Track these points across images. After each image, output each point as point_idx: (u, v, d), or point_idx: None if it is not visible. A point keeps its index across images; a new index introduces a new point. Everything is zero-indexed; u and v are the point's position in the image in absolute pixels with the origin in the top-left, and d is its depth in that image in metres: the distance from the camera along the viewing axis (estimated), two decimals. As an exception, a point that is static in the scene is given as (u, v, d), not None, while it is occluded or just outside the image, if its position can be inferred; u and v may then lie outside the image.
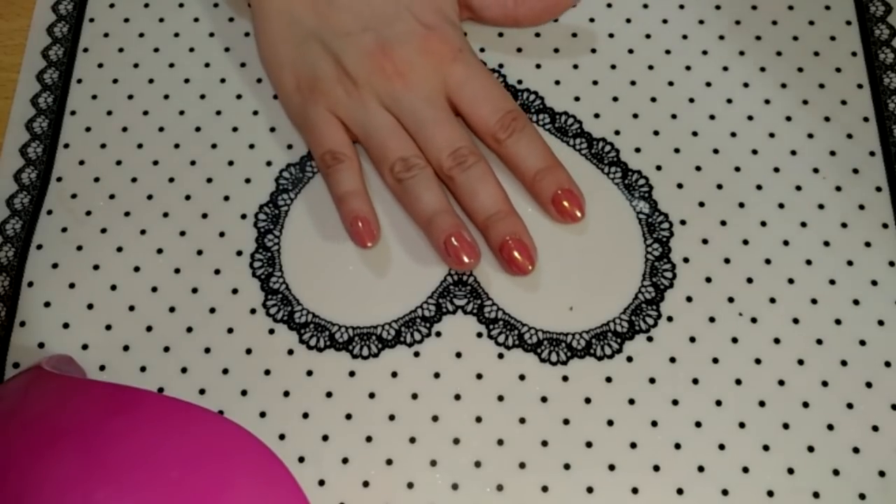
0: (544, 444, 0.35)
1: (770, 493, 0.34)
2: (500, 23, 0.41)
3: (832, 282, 0.37)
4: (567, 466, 0.35)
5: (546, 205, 0.38)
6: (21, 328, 0.37)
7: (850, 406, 0.35)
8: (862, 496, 0.34)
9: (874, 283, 0.37)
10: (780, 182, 0.39)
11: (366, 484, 0.34)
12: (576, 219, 0.37)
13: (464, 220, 0.38)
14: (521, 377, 0.36)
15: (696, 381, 0.36)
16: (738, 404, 0.35)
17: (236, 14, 0.42)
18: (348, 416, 0.35)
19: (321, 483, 0.34)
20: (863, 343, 0.36)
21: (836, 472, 0.34)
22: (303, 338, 0.37)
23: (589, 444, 0.35)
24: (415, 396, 0.36)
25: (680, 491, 0.34)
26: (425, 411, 0.35)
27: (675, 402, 0.35)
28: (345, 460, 0.35)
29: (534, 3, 0.40)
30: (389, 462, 0.35)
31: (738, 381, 0.36)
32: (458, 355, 0.36)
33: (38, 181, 0.39)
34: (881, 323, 0.36)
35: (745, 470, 0.34)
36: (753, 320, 0.37)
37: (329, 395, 0.36)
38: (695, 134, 0.40)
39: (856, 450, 0.35)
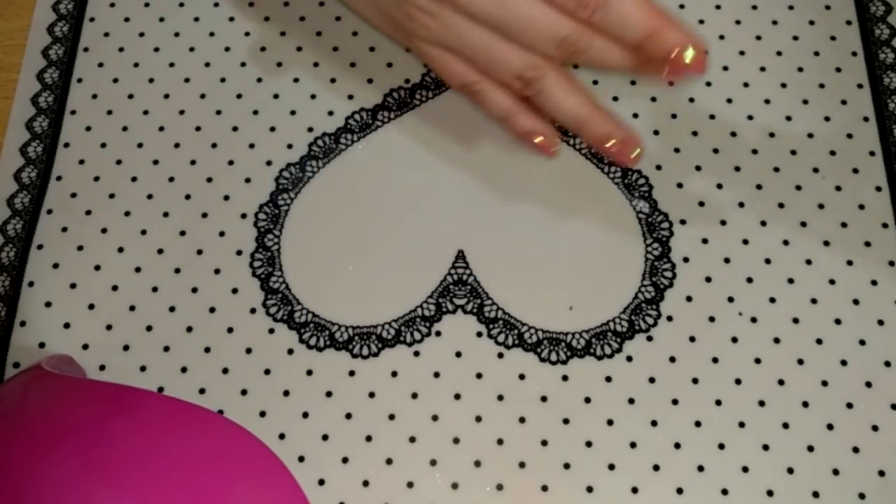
0: (544, 443, 0.35)
1: (770, 493, 0.34)
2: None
3: (832, 282, 0.37)
4: (567, 466, 0.35)
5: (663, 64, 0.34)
6: (21, 328, 0.37)
7: (849, 406, 0.35)
8: (862, 496, 0.34)
9: (874, 283, 0.37)
10: (780, 182, 0.39)
11: (366, 483, 0.34)
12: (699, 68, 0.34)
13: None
14: (521, 377, 0.36)
15: (696, 381, 0.36)
16: (738, 404, 0.35)
17: None
18: (348, 416, 0.35)
19: (321, 483, 0.34)
20: (863, 343, 0.36)
21: (835, 472, 0.34)
22: (303, 337, 0.37)
23: (589, 444, 0.35)
24: (415, 396, 0.36)
25: (680, 490, 0.34)
26: (425, 411, 0.36)
27: (675, 402, 0.35)
28: (345, 460, 0.35)
29: None
30: (389, 461, 0.35)
31: (738, 381, 0.36)
32: (458, 355, 0.36)
33: (38, 180, 0.39)
34: (881, 323, 0.36)
35: (745, 470, 0.34)
36: (753, 320, 0.37)
37: (329, 394, 0.36)
38: (695, 134, 0.40)
39: (855, 449, 0.35)
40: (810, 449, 0.35)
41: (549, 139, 0.37)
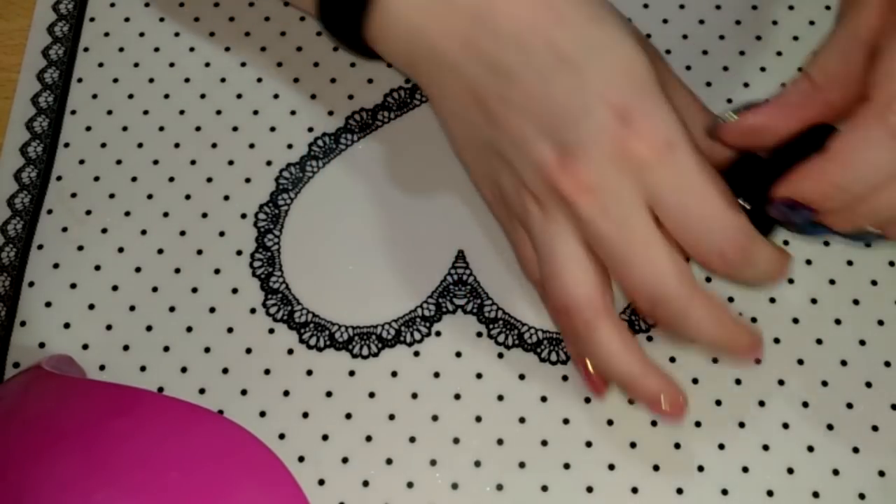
0: (544, 443, 0.35)
1: (770, 493, 0.34)
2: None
3: (832, 282, 0.37)
4: (567, 466, 0.35)
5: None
6: (21, 328, 0.37)
7: (849, 406, 0.35)
8: (862, 496, 0.34)
9: (874, 283, 0.37)
10: (780, 182, 0.39)
11: (366, 483, 0.34)
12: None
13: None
14: (521, 377, 0.36)
15: (695, 381, 0.36)
16: (738, 404, 0.35)
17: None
18: (348, 416, 0.35)
19: (321, 483, 0.34)
20: (863, 343, 0.36)
21: (835, 472, 0.34)
22: (302, 337, 0.37)
23: (589, 444, 0.35)
24: (415, 396, 0.36)
25: (680, 491, 0.34)
26: (425, 411, 0.35)
27: (674, 402, 0.35)
28: (345, 460, 0.35)
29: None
30: (389, 462, 0.35)
31: (738, 382, 0.36)
32: (458, 355, 0.36)
33: (39, 180, 0.39)
34: (881, 323, 0.36)
35: (745, 470, 0.34)
36: (753, 320, 0.37)
37: (329, 394, 0.36)
38: (695, 134, 0.40)
39: (856, 450, 0.35)
40: (810, 449, 0.35)
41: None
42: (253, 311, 0.37)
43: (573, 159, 0.30)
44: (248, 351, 0.36)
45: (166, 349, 0.37)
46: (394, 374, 0.36)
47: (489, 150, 0.33)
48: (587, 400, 0.36)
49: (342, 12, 0.34)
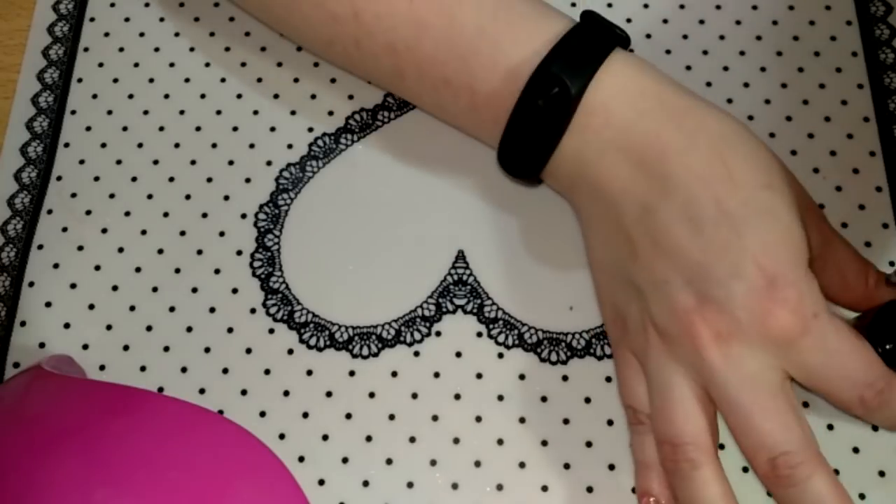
0: (544, 443, 0.35)
1: (770, 493, 0.34)
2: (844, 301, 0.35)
3: (832, 282, 0.37)
4: (567, 466, 0.35)
5: None
6: (21, 328, 0.37)
7: (849, 406, 0.35)
8: (862, 496, 0.34)
9: (874, 283, 0.37)
10: (780, 182, 0.39)
11: (366, 483, 0.34)
12: None
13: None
14: (521, 377, 0.36)
15: (695, 381, 0.36)
16: (738, 404, 0.35)
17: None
18: (348, 416, 0.35)
19: (321, 483, 0.34)
20: (863, 343, 0.36)
21: (836, 472, 0.34)
22: (303, 337, 0.37)
23: (589, 444, 0.35)
24: (415, 396, 0.36)
25: (680, 491, 0.34)
26: (425, 411, 0.36)
27: (674, 402, 0.35)
28: (345, 460, 0.35)
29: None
30: (389, 462, 0.35)
31: (738, 381, 0.36)
32: (458, 355, 0.36)
33: (38, 180, 0.39)
34: (881, 323, 0.36)
35: (745, 470, 0.34)
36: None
37: (329, 394, 0.36)
38: (695, 134, 0.40)
39: (856, 450, 0.35)
40: (810, 449, 0.35)
41: None
42: (253, 311, 0.37)
43: (714, 309, 0.31)
44: (248, 351, 0.37)
45: (166, 349, 0.37)
46: (394, 374, 0.36)
47: (625, 278, 0.33)
48: (587, 400, 0.36)
49: (524, 163, 0.35)
